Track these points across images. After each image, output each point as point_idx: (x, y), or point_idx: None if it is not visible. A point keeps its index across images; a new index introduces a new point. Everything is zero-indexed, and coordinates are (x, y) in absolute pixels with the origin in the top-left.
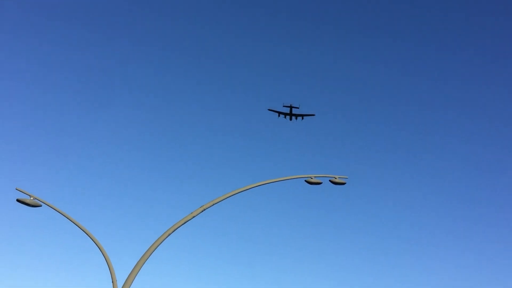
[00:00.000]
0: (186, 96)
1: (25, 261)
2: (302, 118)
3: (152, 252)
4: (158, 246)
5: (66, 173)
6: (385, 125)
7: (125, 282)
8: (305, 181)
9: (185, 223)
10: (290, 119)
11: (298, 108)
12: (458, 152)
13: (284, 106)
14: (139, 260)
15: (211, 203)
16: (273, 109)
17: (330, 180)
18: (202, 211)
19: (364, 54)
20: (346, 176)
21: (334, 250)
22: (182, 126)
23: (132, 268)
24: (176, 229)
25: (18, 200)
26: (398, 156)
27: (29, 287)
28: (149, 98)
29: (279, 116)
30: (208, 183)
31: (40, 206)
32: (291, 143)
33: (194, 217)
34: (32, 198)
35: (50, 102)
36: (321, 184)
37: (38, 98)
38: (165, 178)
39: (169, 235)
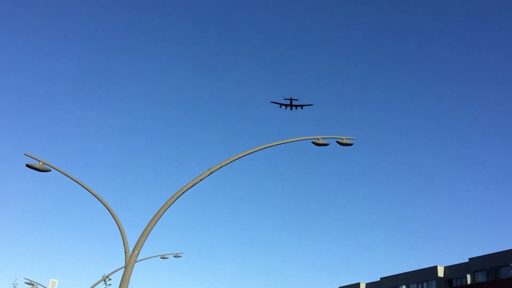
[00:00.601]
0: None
1: (36, 225)
2: (302, 108)
3: (162, 214)
4: (168, 208)
5: (73, 137)
6: (390, 88)
7: (136, 244)
8: (312, 142)
9: (193, 185)
10: (291, 109)
11: (297, 100)
12: (464, 115)
13: (284, 99)
14: (149, 222)
15: (219, 166)
16: (274, 101)
17: (337, 141)
18: (210, 174)
19: (366, 19)
20: (354, 137)
21: (340, 210)
22: (189, 93)
23: (143, 229)
24: (185, 191)
25: (27, 165)
26: (403, 117)
27: (41, 251)
28: (159, 66)
29: (280, 107)
30: (216, 146)
31: (50, 170)
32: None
33: (202, 179)
34: (41, 163)
35: (56, 69)
36: (328, 146)
37: (46, 67)
38: (174, 142)
39: (178, 197)
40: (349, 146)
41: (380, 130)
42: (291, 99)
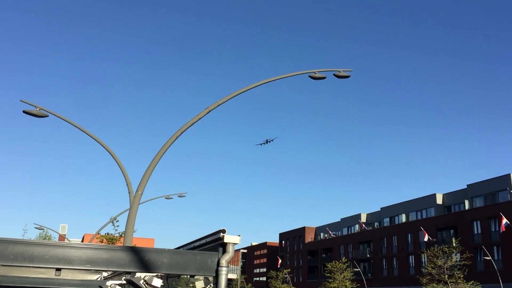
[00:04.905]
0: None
1: (41, 171)
2: (272, 141)
3: (163, 154)
4: (168, 147)
5: (71, 80)
6: (388, 19)
7: (139, 184)
8: (309, 76)
9: (192, 125)
10: (267, 143)
11: (270, 138)
12: (467, 49)
13: (263, 141)
14: (151, 162)
15: (216, 104)
16: (258, 143)
17: (334, 74)
18: (208, 112)
19: None
20: (351, 69)
21: (340, 143)
22: (188, 39)
23: (145, 170)
24: (184, 131)
25: (24, 112)
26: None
27: (50, 198)
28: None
29: (262, 145)
30: (213, 84)
31: (47, 116)
32: (293, 44)
33: (200, 119)
34: (38, 109)
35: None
36: (326, 79)
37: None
38: (172, 83)
39: (177, 137)
40: (346, 79)
41: (379, 62)
42: (267, 140)
